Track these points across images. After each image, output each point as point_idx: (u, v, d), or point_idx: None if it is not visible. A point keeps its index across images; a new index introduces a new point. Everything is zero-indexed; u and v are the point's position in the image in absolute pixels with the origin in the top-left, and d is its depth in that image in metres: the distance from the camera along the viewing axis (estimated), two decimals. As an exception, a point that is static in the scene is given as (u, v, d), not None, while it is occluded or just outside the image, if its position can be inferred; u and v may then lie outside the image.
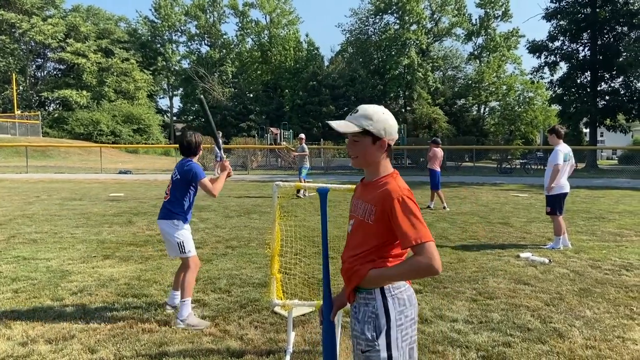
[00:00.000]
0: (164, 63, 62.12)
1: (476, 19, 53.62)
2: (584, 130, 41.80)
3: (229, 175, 4.46)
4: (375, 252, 1.95)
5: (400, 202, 1.88)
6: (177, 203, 4.34)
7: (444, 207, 11.51)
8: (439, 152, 12.05)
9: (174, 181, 4.40)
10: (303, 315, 4.43)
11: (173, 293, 4.59)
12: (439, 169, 11.88)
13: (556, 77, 34.96)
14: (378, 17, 53.36)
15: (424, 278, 5.59)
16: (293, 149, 17.38)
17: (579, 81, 33.69)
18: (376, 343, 1.91)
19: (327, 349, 2.23)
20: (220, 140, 4.59)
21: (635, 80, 32.15)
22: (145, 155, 42.93)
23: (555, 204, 7.46)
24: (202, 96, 4.22)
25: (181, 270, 4.44)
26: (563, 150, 7.43)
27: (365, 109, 1.99)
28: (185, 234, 4.32)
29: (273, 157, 33.66)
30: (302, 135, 14.61)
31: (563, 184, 7.48)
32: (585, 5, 32.61)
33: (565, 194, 7.53)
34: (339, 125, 1.98)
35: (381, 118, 1.98)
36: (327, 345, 2.22)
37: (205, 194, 4.39)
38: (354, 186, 2.28)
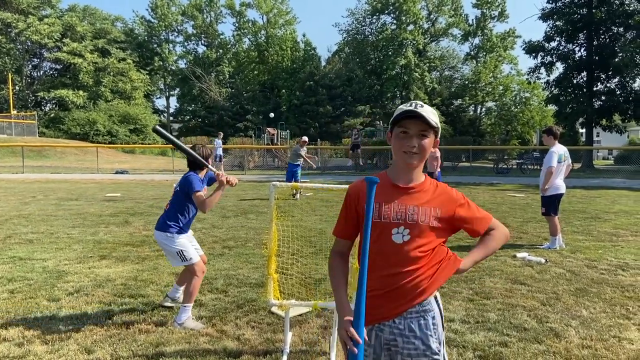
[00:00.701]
0: (161, 63, 61.97)
1: (473, 20, 53.67)
2: (580, 130, 41.88)
3: (229, 183, 4.12)
4: (439, 257, 1.97)
5: (467, 198, 2.05)
6: (173, 216, 4.29)
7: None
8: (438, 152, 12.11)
9: (175, 192, 4.37)
10: (300, 315, 4.43)
11: (176, 286, 4.60)
12: (440, 170, 11.93)
13: (552, 77, 35.05)
14: (375, 17, 53.34)
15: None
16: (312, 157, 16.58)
17: (575, 81, 33.76)
18: (443, 353, 1.93)
19: None
20: (200, 151, 4.37)
21: (631, 81, 32.25)
22: (142, 156, 42.84)
23: (550, 204, 7.49)
24: (157, 126, 4.04)
25: (187, 273, 4.42)
26: (558, 151, 7.46)
27: (427, 105, 1.92)
28: (182, 242, 4.27)
29: (270, 157, 33.64)
30: (305, 138, 14.52)
31: (558, 184, 7.50)
32: (582, 6, 32.70)
33: (560, 195, 7.56)
34: (426, 112, 1.86)
35: (437, 116, 1.95)
36: None
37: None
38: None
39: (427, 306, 1.93)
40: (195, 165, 4.31)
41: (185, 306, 4.22)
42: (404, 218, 1.88)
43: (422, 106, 1.87)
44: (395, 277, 1.88)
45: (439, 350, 1.91)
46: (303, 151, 14.04)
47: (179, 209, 4.30)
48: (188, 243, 4.34)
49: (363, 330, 1.73)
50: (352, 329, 1.72)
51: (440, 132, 1.97)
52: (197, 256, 4.36)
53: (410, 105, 1.87)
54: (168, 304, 4.58)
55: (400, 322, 1.89)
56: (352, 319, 1.76)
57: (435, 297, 1.98)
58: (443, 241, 1.98)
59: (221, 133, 27.31)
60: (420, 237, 1.89)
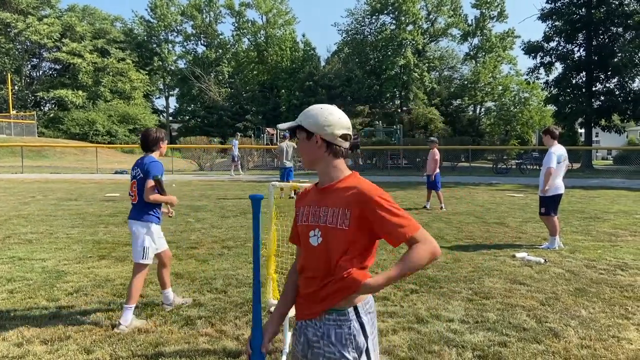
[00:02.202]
0: (160, 63, 61.92)
1: (472, 20, 53.68)
2: (579, 130, 41.93)
3: (171, 204, 4.53)
4: (355, 260, 1.80)
5: (382, 198, 1.79)
6: (146, 203, 4.29)
7: (442, 208, 11.54)
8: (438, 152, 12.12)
9: (138, 180, 4.32)
10: (299, 315, 4.42)
11: (164, 292, 4.61)
12: (438, 170, 11.93)
13: (551, 77, 35.08)
14: (374, 17, 53.32)
15: (425, 269, 5.61)
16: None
17: (574, 82, 33.80)
18: None
19: None
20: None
21: (630, 81, 32.29)
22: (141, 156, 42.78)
23: (550, 204, 7.51)
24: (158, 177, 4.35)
25: (159, 267, 4.52)
26: (557, 152, 7.49)
27: (309, 109, 1.93)
28: (152, 239, 4.31)
29: (269, 157, 33.64)
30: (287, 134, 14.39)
31: (558, 185, 7.53)
32: (581, 6, 32.72)
33: (560, 195, 7.59)
34: (282, 125, 1.98)
35: (314, 113, 1.89)
36: None
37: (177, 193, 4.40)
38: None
39: (344, 316, 1.83)
40: (146, 146, 4.43)
41: (128, 307, 4.18)
42: (316, 220, 1.86)
43: (301, 115, 1.92)
44: (311, 280, 1.86)
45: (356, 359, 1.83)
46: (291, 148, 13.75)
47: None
48: (159, 239, 4.39)
49: (258, 341, 1.89)
50: (248, 347, 1.92)
51: (317, 127, 1.86)
52: (151, 260, 4.37)
53: None
54: (168, 309, 4.58)
55: (321, 326, 1.85)
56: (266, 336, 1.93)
57: (356, 309, 1.85)
58: (363, 247, 1.83)
59: (238, 134, 27.46)
60: (332, 240, 1.81)
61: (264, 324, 1.96)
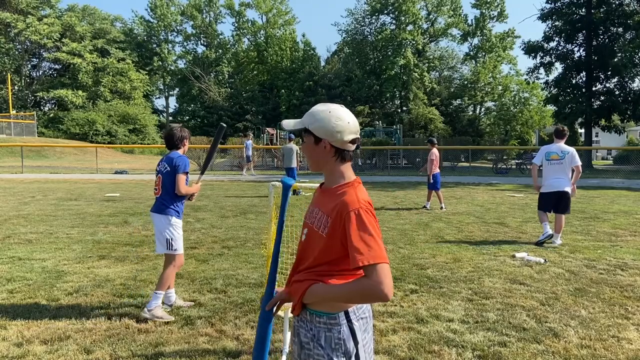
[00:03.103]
0: (160, 63, 61.97)
1: (472, 20, 53.75)
2: (579, 130, 41.94)
3: (195, 192, 4.62)
4: (327, 269, 1.78)
5: (357, 214, 1.68)
6: (170, 196, 4.42)
7: (442, 207, 11.54)
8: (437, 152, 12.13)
9: (163, 174, 4.45)
10: (299, 315, 4.42)
11: (167, 292, 4.62)
12: (438, 170, 11.92)
13: (551, 77, 35.10)
14: (374, 17, 53.36)
15: (425, 268, 5.62)
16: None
17: (574, 82, 33.80)
18: None
19: (258, 343, 2.02)
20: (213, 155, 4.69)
21: (629, 81, 32.31)
22: (141, 156, 42.83)
23: (539, 201, 7.76)
24: (223, 124, 4.59)
25: (165, 263, 4.53)
26: (544, 149, 7.75)
27: (314, 107, 1.87)
28: (175, 231, 4.42)
29: (269, 157, 33.63)
30: (293, 136, 14.76)
31: (547, 183, 7.68)
32: (581, 6, 32.73)
33: (547, 194, 7.67)
34: (287, 123, 1.92)
35: (322, 117, 1.80)
36: (259, 338, 2.02)
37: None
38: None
39: (334, 320, 1.80)
40: (171, 144, 4.55)
41: (157, 293, 4.33)
42: (308, 217, 1.91)
43: (306, 115, 1.88)
44: (298, 274, 1.89)
45: (315, 347, 1.82)
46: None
47: (174, 190, 4.41)
48: (180, 233, 4.48)
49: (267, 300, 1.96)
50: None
51: (325, 133, 1.79)
52: (182, 249, 4.52)
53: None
54: (167, 310, 4.58)
55: (312, 328, 1.83)
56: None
57: (347, 313, 1.80)
58: (339, 258, 1.76)
59: (250, 134, 27.44)
60: (312, 241, 1.83)
61: (279, 289, 2.02)
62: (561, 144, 7.69)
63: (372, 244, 1.63)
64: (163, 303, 4.61)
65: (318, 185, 2.02)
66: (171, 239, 4.39)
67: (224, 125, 4.62)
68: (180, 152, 4.56)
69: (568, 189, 7.56)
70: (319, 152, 1.83)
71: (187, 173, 4.44)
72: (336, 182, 1.84)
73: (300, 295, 1.82)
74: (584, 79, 33.38)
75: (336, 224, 1.72)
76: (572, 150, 7.62)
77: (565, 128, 7.95)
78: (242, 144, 30.38)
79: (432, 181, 11.77)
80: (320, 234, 1.78)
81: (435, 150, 11.99)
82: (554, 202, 7.63)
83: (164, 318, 4.27)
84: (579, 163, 7.60)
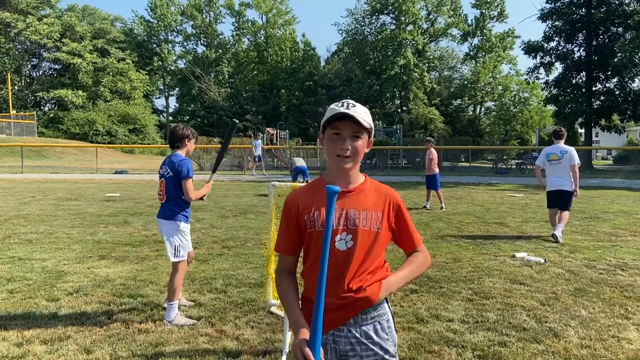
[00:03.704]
0: (160, 63, 61.97)
1: (472, 20, 53.78)
2: (579, 130, 41.95)
3: (207, 191, 4.57)
4: (379, 263, 1.84)
5: (404, 204, 1.90)
6: (175, 201, 4.33)
7: (442, 207, 11.54)
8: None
9: (166, 179, 4.34)
10: (299, 315, 4.42)
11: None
12: (437, 170, 11.95)
13: (551, 77, 35.12)
14: (374, 17, 53.39)
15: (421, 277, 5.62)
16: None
17: (574, 82, 33.81)
18: (396, 355, 1.87)
19: None
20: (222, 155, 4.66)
21: (630, 81, 32.32)
22: (141, 155, 42.83)
23: (547, 200, 8.18)
24: (236, 121, 4.52)
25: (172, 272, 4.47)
26: (545, 150, 8.17)
27: (359, 104, 1.81)
28: (183, 237, 4.33)
29: (269, 158, 33.61)
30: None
31: (549, 182, 8.05)
32: (581, 6, 32.74)
33: (551, 192, 8.03)
34: (358, 112, 1.75)
35: (367, 110, 1.82)
36: None
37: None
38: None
39: (381, 310, 1.84)
40: (172, 143, 4.44)
41: (171, 304, 4.25)
42: (345, 224, 1.78)
43: (354, 106, 1.77)
44: (342, 285, 1.77)
45: (395, 353, 1.86)
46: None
47: (180, 194, 4.33)
48: (186, 240, 4.39)
49: (320, 350, 1.61)
50: (307, 350, 1.61)
51: (373, 132, 1.85)
52: (186, 255, 4.41)
53: (342, 106, 1.76)
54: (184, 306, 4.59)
55: (356, 330, 1.80)
56: (307, 338, 1.64)
57: (386, 299, 1.88)
58: (383, 250, 1.87)
59: (260, 133, 27.36)
60: (364, 242, 1.78)
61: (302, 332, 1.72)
62: (560, 144, 8.03)
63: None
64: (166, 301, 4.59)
65: (299, 188, 1.97)
66: (178, 246, 4.29)
67: (237, 121, 4.49)
68: (182, 152, 4.41)
69: (569, 188, 7.87)
70: (365, 147, 1.83)
71: (192, 178, 4.31)
72: (359, 179, 1.86)
73: (375, 298, 1.79)
74: (584, 79, 33.38)
75: (388, 215, 1.84)
76: (570, 149, 7.91)
77: (563, 129, 8.37)
78: (242, 144, 30.41)
79: (429, 180, 11.81)
80: (374, 231, 1.80)
81: (433, 150, 12.04)
82: (560, 199, 7.99)
83: (187, 324, 4.19)
84: (576, 162, 7.84)
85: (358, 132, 1.78)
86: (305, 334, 1.67)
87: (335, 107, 1.78)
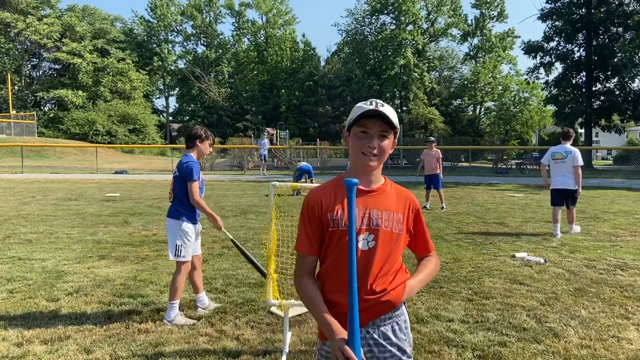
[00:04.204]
0: (160, 63, 61.94)
1: (472, 20, 53.76)
2: (579, 130, 41.95)
3: (216, 223, 4.43)
4: (398, 265, 1.86)
5: (420, 209, 1.94)
6: (180, 201, 4.34)
7: (443, 207, 11.55)
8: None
9: (175, 178, 4.41)
10: (299, 315, 4.43)
11: (197, 296, 4.61)
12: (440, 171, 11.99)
13: (551, 77, 35.12)
14: (374, 17, 53.39)
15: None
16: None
17: (574, 81, 33.82)
18: (412, 356, 1.88)
19: None
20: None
21: (629, 81, 32.32)
22: (141, 156, 42.81)
23: (551, 197, 8.49)
24: (234, 242, 4.67)
25: (191, 271, 4.48)
26: (551, 150, 8.55)
27: (386, 105, 1.80)
28: (184, 237, 4.31)
29: (269, 157, 33.60)
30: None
31: (553, 180, 8.38)
32: (581, 6, 32.75)
33: (555, 190, 8.36)
34: (388, 111, 1.76)
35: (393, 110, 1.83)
36: None
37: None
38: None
39: (399, 310, 1.84)
40: (186, 143, 4.48)
41: (172, 303, 4.25)
42: (367, 223, 1.77)
43: (382, 105, 1.77)
44: (365, 287, 1.75)
45: (411, 353, 1.87)
46: None
47: (183, 195, 4.34)
48: (191, 240, 4.36)
49: (360, 349, 1.59)
50: (347, 348, 1.59)
51: (398, 134, 1.87)
52: (190, 256, 4.38)
53: (371, 104, 1.76)
54: (200, 312, 4.55)
55: (374, 331, 1.79)
56: (345, 337, 1.62)
57: (404, 303, 1.90)
58: (401, 252, 1.88)
59: (265, 133, 27.16)
60: (385, 243, 1.78)
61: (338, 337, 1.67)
62: (566, 145, 8.35)
63: None
64: (197, 307, 4.57)
65: (319, 187, 1.93)
66: (180, 245, 4.28)
67: (234, 242, 4.66)
68: (194, 153, 4.43)
69: (572, 187, 8.22)
70: (389, 151, 1.83)
71: (197, 180, 4.30)
72: (380, 179, 1.87)
73: (398, 301, 1.82)
74: (584, 79, 33.39)
75: (408, 218, 1.86)
76: (575, 150, 8.27)
77: (571, 130, 8.76)
78: (242, 144, 30.40)
79: (432, 180, 11.84)
80: (395, 232, 1.81)
81: (438, 150, 12.07)
82: (563, 198, 8.35)
83: (187, 324, 4.19)
84: (579, 163, 8.15)
85: (385, 132, 1.78)
86: (342, 333, 1.65)
87: (364, 106, 1.77)
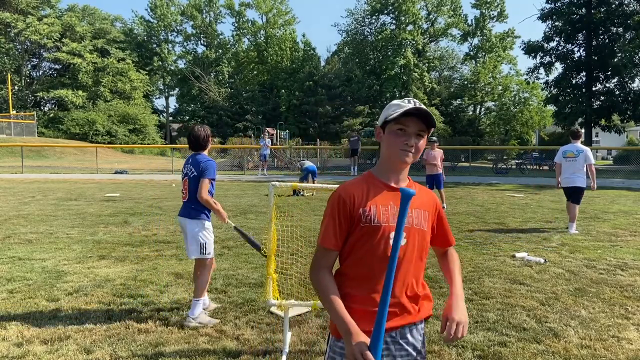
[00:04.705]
0: (160, 63, 61.93)
1: (472, 20, 53.74)
2: (580, 130, 41.94)
3: (221, 216, 4.45)
4: (423, 267, 1.90)
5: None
6: (197, 201, 4.31)
7: (443, 207, 11.53)
8: None
9: (190, 179, 4.36)
10: (299, 315, 4.43)
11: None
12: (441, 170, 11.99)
13: (551, 77, 35.13)
14: (374, 17, 53.37)
15: (425, 268, 5.61)
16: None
17: (574, 82, 33.83)
18: (426, 356, 1.90)
19: None
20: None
21: (629, 81, 32.32)
22: (141, 156, 42.80)
23: (564, 193, 8.82)
24: (235, 229, 4.72)
25: (196, 270, 4.46)
26: (562, 149, 8.80)
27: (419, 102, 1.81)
28: (208, 234, 4.35)
29: (269, 157, 33.61)
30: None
31: (564, 178, 8.67)
32: (581, 6, 32.75)
33: (565, 188, 8.71)
34: (427, 112, 1.79)
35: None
36: None
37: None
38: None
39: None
40: (197, 145, 4.43)
41: (197, 300, 4.25)
42: (394, 220, 1.76)
43: (420, 105, 1.78)
44: (394, 287, 1.74)
45: (425, 354, 1.88)
46: None
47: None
48: (212, 236, 4.41)
49: (381, 355, 1.58)
50: (369, 354, 1.56)
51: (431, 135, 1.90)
52: (213, 252, 4.43)
53: (409, 103, 1.77)
54: (212, 307, 4.59)
55: (392, 330, 1.78)
56: (367, 341, 1.60)
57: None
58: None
59: (268, 131, 27.03)
60: (415, 241, 1.80)
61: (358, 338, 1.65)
62: (577, 144, 8.67)
63: None
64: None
65: (351, 182, 1.89)
66: (205, 243, 4.30)
67: (236, 229, 4.69)
68: (205, 153, 4.46)
69: (581, 184, 8.58)
70: (421, 151, 1.86)
71: (213, 180, 4.31)
72: (406, 178, 1.90)
73: (428, 315, 1.91)
74: (584, 79, 33.39)
75: (432, 215, 1.90)
76: (586, 149, 8.60)
77: (580, 129, 9.22)
78: (242, 144, 30.37)
79: (434, 180, 11.84)
80: (423, 230, 1.84)
81: (440, 150, 12.06)
82: (570, 194, 8.69)
83: (210, 323, 4.18)
84: (592, 162, 8.58)
85: (422, 131, 1.80)
86: (361, 335, 1.62)
87: (402, 104, 1.78)
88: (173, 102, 68.38)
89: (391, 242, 1.73)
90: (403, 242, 1.75)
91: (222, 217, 4.45)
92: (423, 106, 1.77)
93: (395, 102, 1.82)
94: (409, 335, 1.82)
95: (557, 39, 33.97)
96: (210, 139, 4.52)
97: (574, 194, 8.60)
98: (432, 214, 1.90)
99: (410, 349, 1.81)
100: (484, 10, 52.57)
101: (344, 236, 1.80)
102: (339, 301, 1.74)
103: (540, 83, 37.88)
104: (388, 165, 1.84)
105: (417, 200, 1.81)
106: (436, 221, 1.93)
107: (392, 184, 1.82)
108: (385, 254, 1.74)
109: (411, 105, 1.75)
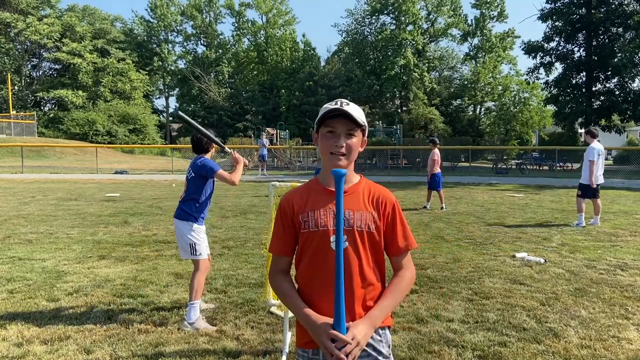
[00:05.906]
0: (160, 63, 61.89)
1: (472, 20, 53.71)
2: (579, 130, 41.94)
3: (245, 166, 4.43)
4: (378, 269, 1.84)
5: (398, 204, 1.88)
6: (191, 202, 4.33)
7: (442, 208, 11.54)
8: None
9: (188, 180, 4.40)
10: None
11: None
12: (440, 170, 11.99)
13: (551, 77, 35.09)
14: (374, 17, 53.32)
15: (425, 268, 5.62)
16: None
17: (574, 82, 33.80)
18: (390, 356, 1.86)
19: None
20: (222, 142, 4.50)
21: (629, 81, 32.28)
22: (141, 156, 42.80)
23: (585, 190, 9.33)
24: (179, 112, 4.37)
25: (194, 272, 4.44)
26: (596, 147, 9.24)
27: (352, 103, 1.81)
28: (197, 235, 4.32)
29: (269, 157, 33.61)
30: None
31: (597, 176, 9.21)
32: (581, 6, 32.72)
33: (597, 185, 9.29)
34: (352, 110, 1.76)
35: (360, 109, 1.83)
36: None
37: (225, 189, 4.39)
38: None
39: (383, 331, 1.83)
40: (200, 148, 4.42)
41: (192, 303, 4.20)
42: (333, 223, 1.76)
43: (347, 104, 1.77)
44: (355, 292, 1.77)
45: (389, 354, 1.85)
46: None
47: (196, 195, 4.34)
48: (203, 237, 4.38)
49: (345, 329, 1.63)
50: (334, 331, 1.62)
51: (367, 131, 1.87)
52: (206, 253, 4.41)
53: (336, 104, 1.77)
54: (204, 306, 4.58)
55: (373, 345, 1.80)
56: (332, 322, 1.65)
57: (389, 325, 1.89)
58: (381, 253, 1.86)
59: (267, 131, 26.89)
60: (358, 244, 1.77)
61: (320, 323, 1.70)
62: (592, 142, 9.30)
63: (409, 230, 1.89)
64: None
65: (295, 187, 1.96)
66: (195, 244, 4.28)
67: (179, 113, 4.27)
68: (208, 155, 4.45)
69: (585, 182, 9.29)
70: (359, 146, 1.85)
71: (219, 170, 4.27)
72: (354, 178, 1.87)
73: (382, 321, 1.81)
74: (584, 79, 33.37)
75: (380, 216, 1.82)
76: (589, 147, 9.34)
77: (595, 128, 9.75)
78: (242, 144, 30.37)
79: (429, 180, 11.85)
80: (369, 232, 1.79)
81: (436, 151, 12.03)
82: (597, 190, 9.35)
83: (208, 329, 4.13)
84: (588, 159, 9.20)
85: (352, 130, 1.79)
86: (324, 319, 1.68)
87: (329, 106, 1.79)
88: (173, 102, 68.49)
89: (332, 245, 1.74)
90: (345, 244, 1.74)
91: (243, 164, 4.42)
92: (351, 105, 1.78)
93: (325, 105, 1.83)
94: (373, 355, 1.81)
95: (557, 39, 33.94)
96: (212, 143, 4.42)
97: (598, 190, 9.33)
98: (379, 215, 1.82)
99: (369, 350, 1.79)
100: (484, 10, 52.55)
101: (290, 242, 1.86)
102: (297, 298, 1.79)
103: (540, 83, 37.85)
104: (327, 170, 1.84)
105: (361, 202, 1.81)
106: (387, 221, 1.84)
107: (332, 188, 1.77)
108: (328, 256, 1.75)
109: (336, 106, 1.76)
